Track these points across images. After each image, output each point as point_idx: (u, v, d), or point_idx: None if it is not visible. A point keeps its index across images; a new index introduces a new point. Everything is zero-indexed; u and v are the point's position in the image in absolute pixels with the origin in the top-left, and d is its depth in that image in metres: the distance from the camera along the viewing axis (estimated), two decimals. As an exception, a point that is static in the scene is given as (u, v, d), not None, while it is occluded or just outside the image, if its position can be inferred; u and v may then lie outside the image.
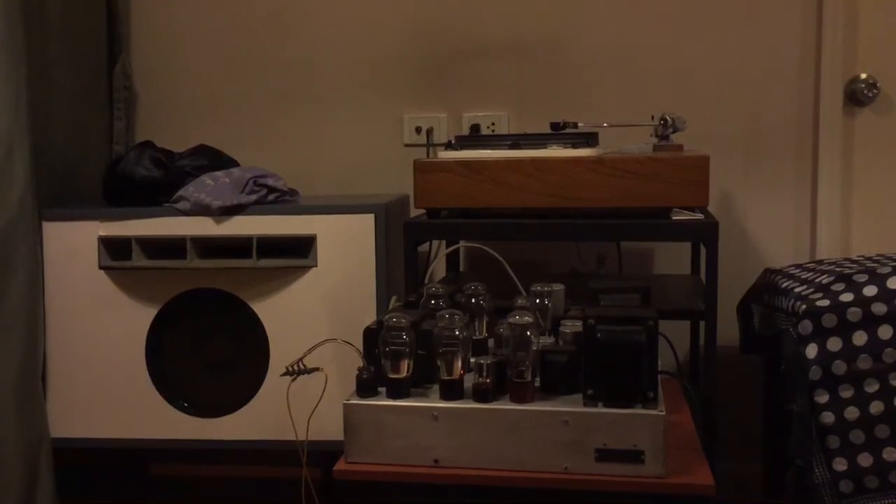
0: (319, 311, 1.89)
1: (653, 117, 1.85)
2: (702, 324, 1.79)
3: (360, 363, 1.41)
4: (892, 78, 2.18)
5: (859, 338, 1.56)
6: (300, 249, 1.90)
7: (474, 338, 1.50)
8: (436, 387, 1.37)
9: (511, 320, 1.34)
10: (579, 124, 1.88)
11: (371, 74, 2.35)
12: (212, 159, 2.07)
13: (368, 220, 1.88)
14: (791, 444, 1.63)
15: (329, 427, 1.60)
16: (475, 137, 2.14)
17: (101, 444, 1.98)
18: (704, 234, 1.71)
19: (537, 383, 1.36)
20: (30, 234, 1.91)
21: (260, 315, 1.91)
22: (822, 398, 1.57)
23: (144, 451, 2.00)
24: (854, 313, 1.56)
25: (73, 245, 1.95)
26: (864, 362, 1.56)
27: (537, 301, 1.55)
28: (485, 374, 1.34)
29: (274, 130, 2.40)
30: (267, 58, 2.39)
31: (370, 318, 1.77)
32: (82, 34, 2.22)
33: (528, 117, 2.29)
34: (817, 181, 2.19)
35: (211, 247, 1.92)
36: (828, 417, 1.57)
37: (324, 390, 1.61)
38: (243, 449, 1.94)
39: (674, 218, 1.73)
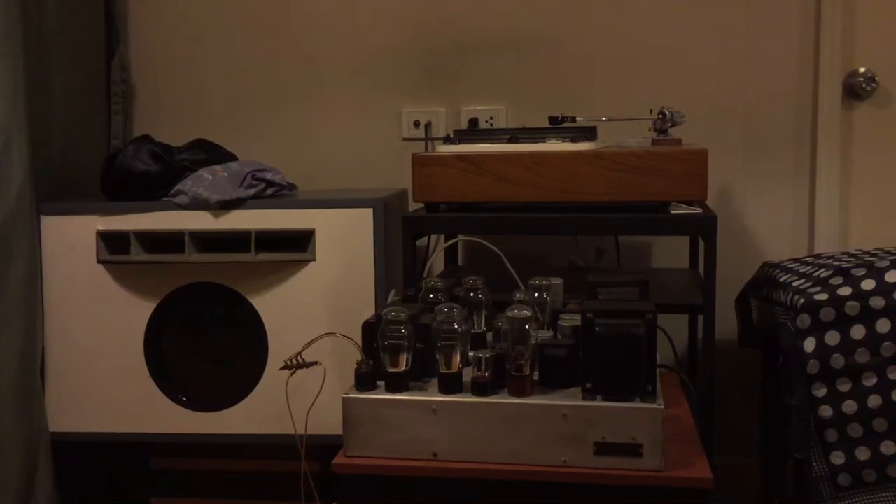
0: (318, 305, 1.89)
1: (651, 111, 1.85)
2: (700, 317, 1.79)
3: (359, 357, 1.41)
4: (891, 72, 2.18)
5: (857, 331, 1.56)
6: (299, 243, 1.90)
7: (473, 331, 1.50)
8: (434, 380, 1.38)
9: (510, 314, 1.34)
10: (578, 118, 1.88)
11: (369, 68, 2.35)
12: (210, 153, 2.07)
13: (367, 214, 1.88)
14: (789, 437, 1.64)
15: (328, 420, 1.60)
16: (474, 131, 2.14)
17: (100, 439, 1.98)
18: (703, 228, 1.71)
19: (536, 377, 1.37)
20: (28, 228, 1.91)
21: (259, 309, 1.91)
22: (820, 392, 1.58)
23: (143, 444, 2.00)
24: (852, 307, 1.57)
25: (71, 239, 1.94)
26: (862, 356, 1.56)
27: (536, 295, 1.55)
28: (483, 367, 1.34)
29: (272, 124, 2.40)
30: (265, 51, 2.38)
31: (369, 311, 1.77)
32: (80, 27, 2.22)
33: (526, 111, 2.28)
34: (816, 175, 2.19)
35: (209, 241, 1.92)
36: (826, 411, 1.58)
37: (322, 384, 1.61)
38: (242, 443, 1.95)
39: (672, 212, 1.73)
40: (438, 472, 1.33)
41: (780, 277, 1.75)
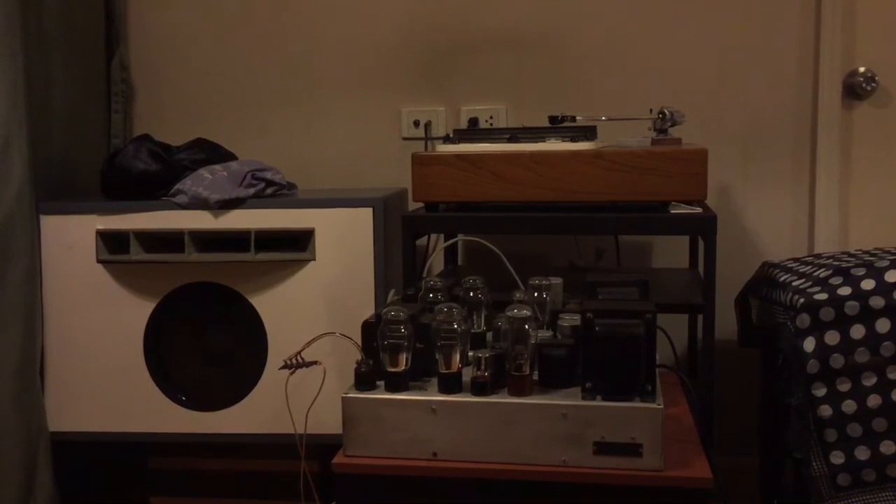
0: (318, 305, 1.89)
1: (651, 111, 1.85)
2: (700, 317, 1.79)
3: (359, 356, 1.41)
4: (891, 71, 2.18)
5: (857, 331, 1.56)
6: (298, 243, 1.90)
7: (473, 331, 1.50)
8: (434, 380, 1.38)
9: (509, 314, 1.34)
10: (578, 118, 1.88)
11: (369, 68, 2.35)
12: (210, 153, 2.07)
13: (367, 213, 1.88)
14: (789, 437, 1.64)
15: (328, 420, 1.60)
16: (473, 131, 2.14)
17: (100, 438, 1.98)
18: (703, 228, 1.71)
19: (536, 377, 1.37)
20: (28, 227, 1.91)
21: (258, 308, 1.91)
22: (820, 391, 1.58)
23: (142, 444, 2.00)
24: (852, 307, 1.57)
25: (70, 239, 1.94)
26: (861, 356, 1.56)
27: (535, 295, 1.55)
28: (483, 367, 1.34)
29: (272, 124, 2.40)
30: (265, 51, 2.38)
31: (368, 311, 1.77)
32: (80, 27, 2.21)
33: (526, 111, 2.28)
34: (815, 175, 2.19)
35: (209, 240, 1.92)
36: (825, 411, 1.57)
37: (322, 383, 1.61)
38: (242, 442, 1.95)
39: (672, 211, 1.73)
40: (438, 472, 1.33)
41: (780, 277, 1.75)
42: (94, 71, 2.30)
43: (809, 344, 1.58)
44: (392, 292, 1.65)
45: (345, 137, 2.37)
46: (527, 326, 1.33)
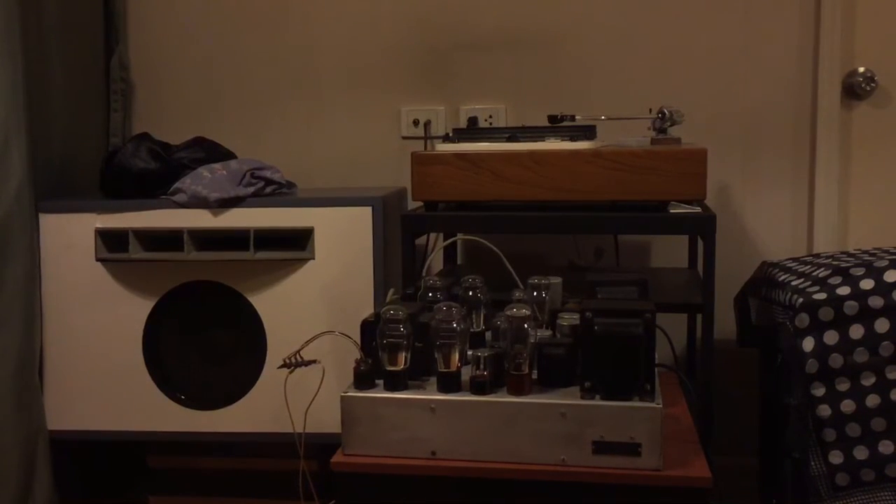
0: (317, 304, 1.89)
1: (650, 110, 1.84)
2: (699, 317, 1.79)
3: (358, 355, 1.41)
4: (890, 71, 2.18)
5: (856, 331, 1.56)
6: (298, 242, 1.90)
7: (472, 330, 1.50)
8: (433, 379, 1.38)
9: (508, 313, 1.34)
10: (577, 117, 1.88)
11: (369, 67, 2.35)
12: (209, 151, 2.07)
13: (366, 212, 1.88)
14: (787, 437, 1.64)
15: (327, 419, 1.60)
16: (473, 130, 2.13)
17: (99, 437, 1.98)
18: (702, 228, 1.71)
19: (535, 376, 1.37)
20: (27, 226, 1.91)
21: (257, 307, 1.91)
22: (819, 391, 1.58)
23: (141, 443, 2.00)
24: (851, 307, 1.57)
25: (70, 237, 1.94)
26: (860, 355, 1.56)
27: (535, 294, 1.55)
28: (482, 366, 1.34)
29: (271, 123, 2.39)
30: (265, 50, 2.38)
31: (368, 310, 1.77)
32: (79, 25, 2.21)
33: (525, 110, 2.28)
34: (815, 175, 2.19)
35: (208, 239, 1.92)
36: (824, 410, 1.58)
37: (321, 383, 1.61)
38: (241, 441, 1.95)
39: (671, 211, 1.73)
40: (437, 471, 1.33)
41: (779, 277, 1.75)
42: (94, 70, 2.30)
43: (808, 344, 1.58)
44: (391, 291, 1.65)
45: (344, 137, 2.37)
46: (526, 326, 1.33)
